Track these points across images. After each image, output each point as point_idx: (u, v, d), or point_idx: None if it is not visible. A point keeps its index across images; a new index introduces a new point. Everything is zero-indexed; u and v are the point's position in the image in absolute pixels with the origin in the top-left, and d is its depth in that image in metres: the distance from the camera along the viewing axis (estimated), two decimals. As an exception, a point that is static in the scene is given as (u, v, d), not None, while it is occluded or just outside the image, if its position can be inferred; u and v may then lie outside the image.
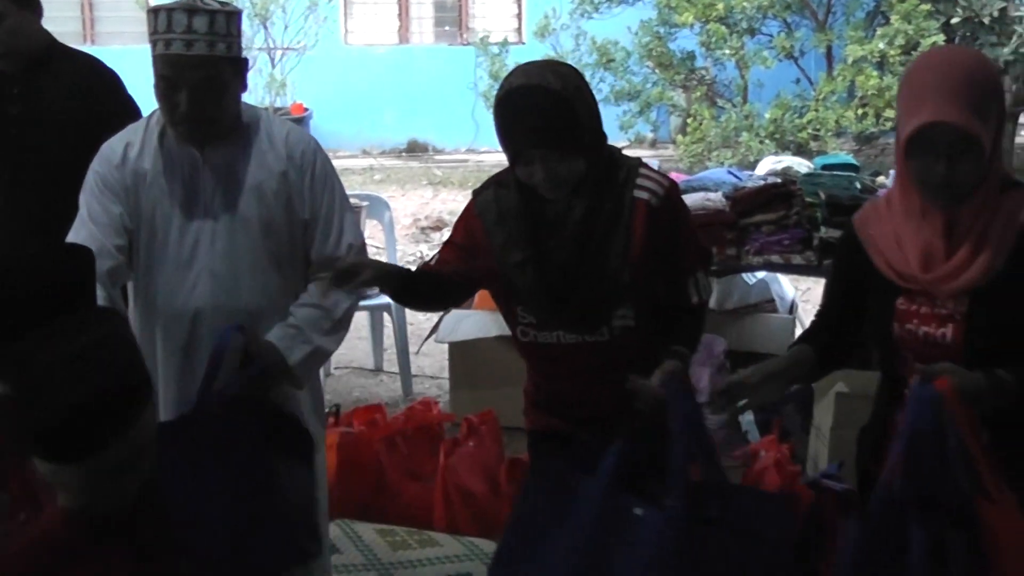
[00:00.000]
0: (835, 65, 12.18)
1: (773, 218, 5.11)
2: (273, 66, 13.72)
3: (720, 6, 11.55)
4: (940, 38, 11.39)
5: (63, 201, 3.32)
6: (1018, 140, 14.94)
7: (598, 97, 9.97)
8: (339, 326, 3.25)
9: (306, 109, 14.01)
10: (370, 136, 14.92)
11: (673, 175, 5.82)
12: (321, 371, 6.22)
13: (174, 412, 3.08)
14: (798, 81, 12.50)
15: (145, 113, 3.36)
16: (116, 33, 14.46)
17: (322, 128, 14.00)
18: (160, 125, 3.18)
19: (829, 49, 12.40)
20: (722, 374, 5.51)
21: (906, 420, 2.52)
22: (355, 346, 7.12)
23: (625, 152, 2.99)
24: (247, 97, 3.26)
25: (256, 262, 3.19)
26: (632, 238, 2.83)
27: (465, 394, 5.81)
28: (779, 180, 5.32)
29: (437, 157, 14.78)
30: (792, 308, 6.36)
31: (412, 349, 6.60)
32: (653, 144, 14.15)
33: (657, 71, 12.38)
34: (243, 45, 3.20)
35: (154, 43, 3.05)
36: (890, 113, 11.29)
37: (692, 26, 11.87)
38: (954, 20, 12.12)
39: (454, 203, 11.80)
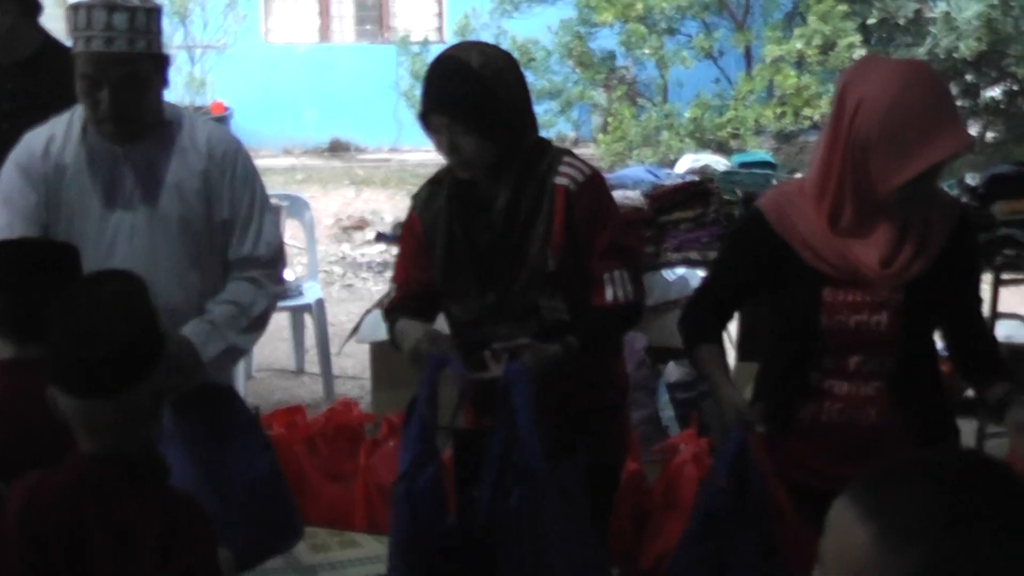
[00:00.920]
0: (754, 65, 12.33)
1: (691, 216, 5.16)
2: (193, 64, 13.57)
3: (639, 6, 11.63)
4: (857, 38, 11.58)
5: None
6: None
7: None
8: (256, 325, 3.25)
9: (226, 108, 13.84)
10: (292, 135, 14.78)
11: (593, 173, 5.88)
12: (242, 373, 6.23)
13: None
14: (717, 80, 12.63)
15: None
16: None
17: (243, 127, 13.85)
18: (83, 120, 3.17)
19: (748, 49, 12.54)
20: (641, 370, 5.55)
21: (726, 448, 2.70)
22: (277, 348, 7.08)
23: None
24: (167, 95, 3.24)
25: (175, 260, 3.18)
26: (553, 224, 2.84)
27: (387, 394, 5.76)
28: (697, 178, 5.37)
29: (359, 156, 14.69)
30: (711, 304, 6.41)
31: (333, 350, 6.56)
32: (575, 143, 14.15)
33: (578, 70, 12.45)
34: (162, 43, 3.19)
35: (75, 41, 3.06)
36: (809, 112, 11.48)
37: (612, 25, 11.95)
38: (870, 21, 12.33)
39: (376, 203, 11.76)
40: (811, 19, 11.67)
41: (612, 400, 3.09)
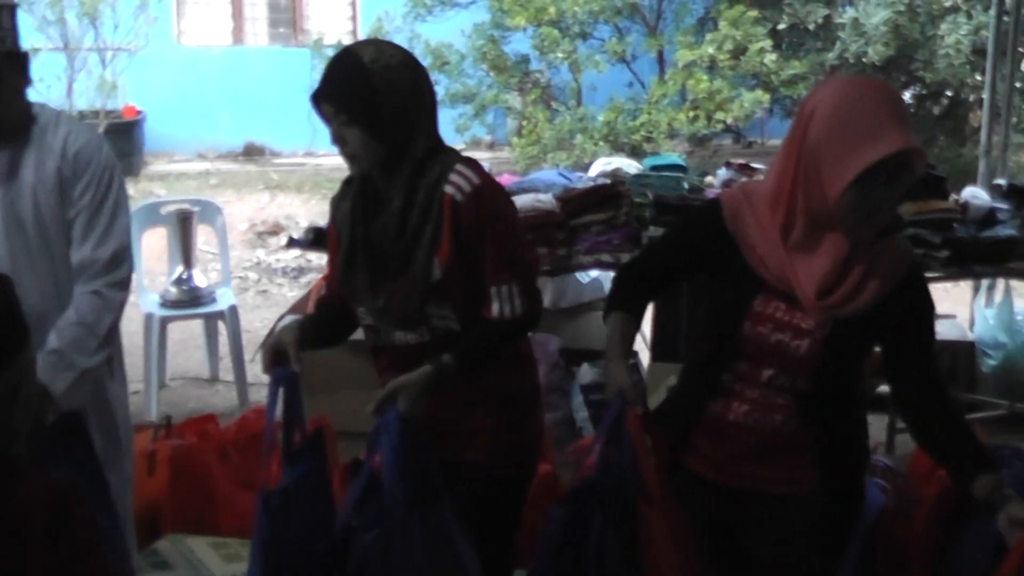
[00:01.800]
0: (666, 69, 12.45)
1: (603, 218, 5.19)
2: (104, 67, 13.37)
3: (552, 10, 11.70)
4: (767, 43, 11.75)
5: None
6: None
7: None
8: (105, 343, 3.19)
9: (139, 111, 13.67)
10: (206, 139, 14.63)
11: (505, 177, 5.90)
12: (154, 383, 6.17)
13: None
14: (631, 84, 12.73)
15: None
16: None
17: (156, 131, 13.72)
18: None
19: (660, 53, 12.66)
20: (556, 372, 5.58)
21: (604, 421, 2.73)
22: (191, 356, 7.02)
23: (463, 154, 3.01)
24: (77, 97, 3.19)
25: (35, 264, 3.15)
26: (441, 233, 2.84)
27: (305, 401, 5.74)
28: (608, 181, 5.41)
29: (274, 160, 14.59)
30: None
31: (248, 357, 6.49)
32: (491, 146, 14.23)
33: (492, 74, 12.48)
34: (72, 45, 3.15)
35: None
36: (721, 115, 11.62)
37: (525, 29, 12.01)
38: (781, 26, 12.51)
39: (291, 207, 11.70)
40: (722, 24, 11.82)
41: (516, 413, 3.07)
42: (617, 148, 11.39)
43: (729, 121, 11.98)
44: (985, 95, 7.22)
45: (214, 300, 6.52)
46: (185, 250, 6.45)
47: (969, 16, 12.19)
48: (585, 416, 5.47)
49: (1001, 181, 6.10)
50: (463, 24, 12.62)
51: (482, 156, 12.87)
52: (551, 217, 5.15)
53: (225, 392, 6.69)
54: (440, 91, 12.24)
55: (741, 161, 6.00)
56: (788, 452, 2.74)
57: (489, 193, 2.91)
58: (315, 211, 11.16)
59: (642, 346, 5.91)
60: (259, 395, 6.51)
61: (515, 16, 11.72)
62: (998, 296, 6.62)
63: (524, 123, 12.28)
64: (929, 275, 5.55)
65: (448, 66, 12.41)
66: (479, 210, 2.85)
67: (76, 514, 2.14)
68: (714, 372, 2.76)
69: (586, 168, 6.27)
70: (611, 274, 6.31)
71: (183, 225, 6.49)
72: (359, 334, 3.13)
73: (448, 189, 2.84)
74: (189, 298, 6.45)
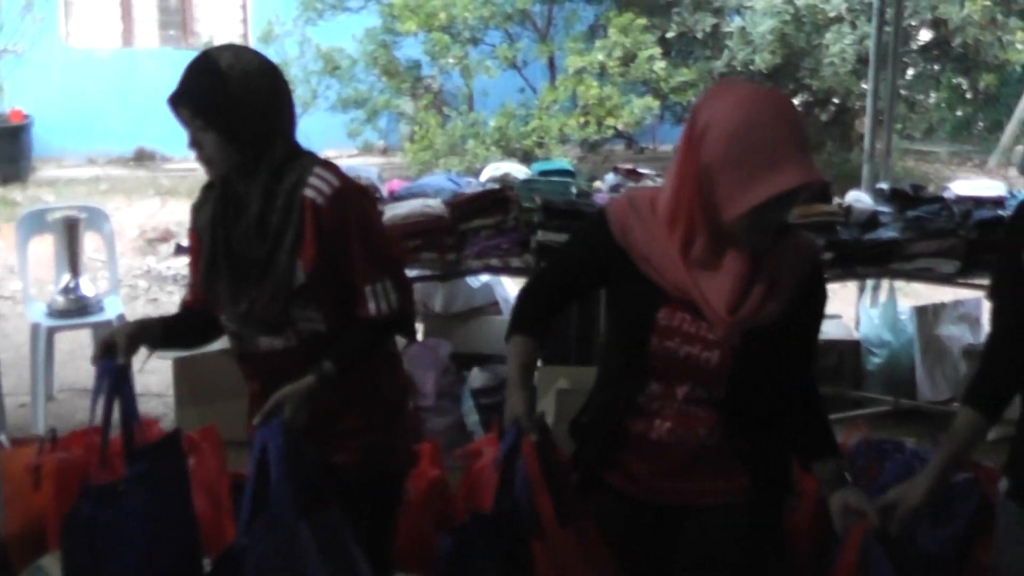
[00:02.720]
0: (557, 75, 12.52)
1: (491, 223, 5.23)
2: (-12, 69, 13.09)
3: (442, 15, 11.70)
4: (657, 51, 11.89)
5: None
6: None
7: (325, 105, 9.98)
8: None
9: (26, 116, 13.34)
10: (96, 144, 14.30)
11: (395, 182, 5.90)
12: (41, 395, 6.05)
13: None
14: (522, 90, 12.78)
15: None
16: None
17: (44, 136, 13.43)
18: None
19: (551, 59, 12.73)
20: (447, 376, 5.60)
21: (500, 451, 2.73)
22: (79, 367, 6.88)
23: (355, 160, 3.00)
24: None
25: None
26: (303, 236, 2.84)
27: (191, 410, 5.67)
28: (497, 186, 5.45)
29: (165, 166, 14.35)
30: (516, 310, 6.51)
31: (137, 367, 6.37)
32: (384, 151, 14.18)
33: (384, 79, 12.44)
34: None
35: None
36: (611, 121, 11.71)
37: (416, 34, 12.00)
38: (670, 34, 12.66)
39: (182, 214, 11.50)
40: (612, 32, 11.92)
41: (386, 414, 3.08)
42: (509, 153, 11.42)
43: (620, 127, 12.07)
44: (868, 102, 7.38)
45: (102, 309, 6.40)
46: (72, 258, 6.33)
47: (853, 26, 12.45)
48: (476, 420, 5.49)
49: (884, 185, 6.26)
50: (354, 28, 12.53)
51: (375, 161, 12.86)
52: (440, 222, 5.18)
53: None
54: (332, 96, 12.21)
55: (628, 166, 6.06)
56: (715, 464, 2.73)
57: (349, 194, 2.91)
58: (206, 217, 11.00)
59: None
60: (149, 405, 6.41)
61: (406, 21, 11.70)
62: (883, 296, 6.79)
63: (416, 128, 12.25)
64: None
65: (339, 70, 12.35)
66: (340, 212, 2.85)
67: None
68: (629, 390, 2.73)
69: (478, 173, 6.29)
70: (501, 278, 6.40)
71: (70, 232, 6.37)
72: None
73: (308, 192, 2.84)
74: (76, 307, 6.31)
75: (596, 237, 2.76)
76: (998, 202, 5.64)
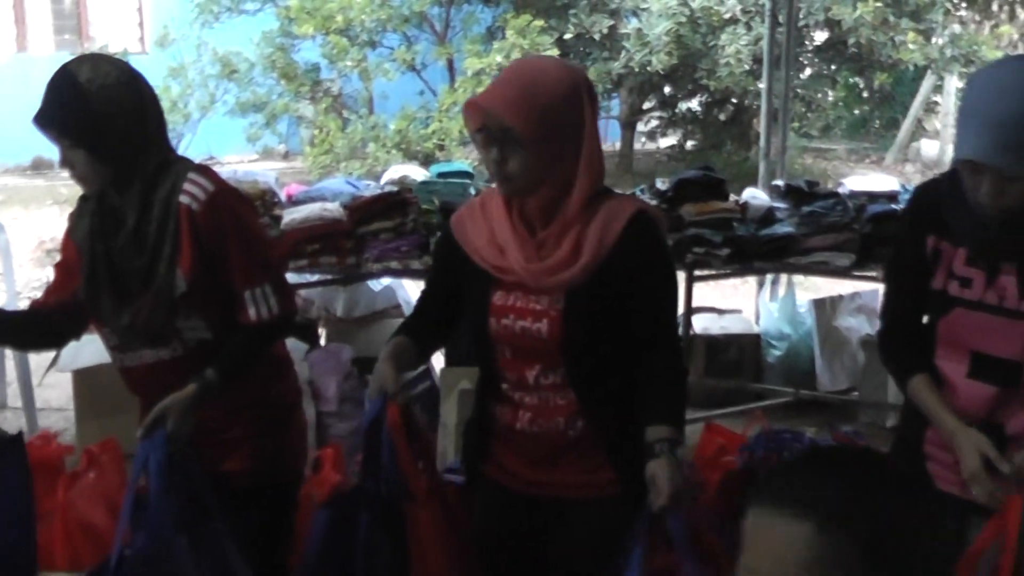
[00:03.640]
0: (456, 77, 12.52)
1: (390, 226, 5.20)
2: None
3: (340, 18, 11.66)
4: (555, 52, 11.93)
5: None
6: (638, 147, 15.80)
7: (223, 109, 9.81)
8: None
9: (-85, 124, 13.06)
10: (-10, 153, 14.08)
11: (293, 187, 5.84)
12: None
13: None
14: (422, 93, 12.78)
15: None
16: None
17: (-65, 145, 13.15)
18: None
19: (450, 62, 12.75)
20: (349, 381, 5.56)
21: (364, 418, 2.75)
22: (-24, 383, 6.73)
23: (256, 165, 2.96)
24: None
25: None
26: (180, 244, 2.79)
27: (92, 423, 5.56)
28: (395, 189, 5.42)
29: (64, 174, 14.01)
30: (418, 313, 6.50)
31: (36, 381, 6.25)
32: (286, 156, 14.08)
33: (282, 82, 12.36)
34: None
35: None
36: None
37: (314, 37, 11.93)
38: (567, 36, 12.73)
39: (79, 222, 11.35)
40: (509, 34, 11.96)
41: (277, 419, 3.04)
42: (410, 156, 11.41)
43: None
44: (763, 102, 7.47)
45: (-20, 345, 6.24)
46: (-34, 270, 6.19)
47: (748, 27, 12.64)
48: (380, 424, 5.45)
49: (780, 182, 6.32)
50: (252, 31, 12.44)
51: (276, 166, 12.77)
52: (338, 226, 5.13)
53: (14, 419, 6.38)
54: (230, 100, 12.09)
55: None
56: (580, 455, 2.72)
57: (224, 199, 2.85)
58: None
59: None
60: (49, 420, 6.29)
61: (303, 24, 11.64)
62: (781, 290, 6.89)
63: (316, 132, 12.19)
64: (712, 272, 5.79)
65: (237, 74, 12.24)
66: (216, 217, 2.80)
67: None
68: (491, 378, 2.77)
69: (379, 177, 6.26)
70: (402, 281, 6.37)
71: (-37, 244, 6.23)
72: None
73: (183, 199, 2.78)
74: (-29, 321, 6.16)
75: (445, 243, 2.84)
76: (891, 197, 5.73)
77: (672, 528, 2.52)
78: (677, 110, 15.28)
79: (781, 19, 7.35)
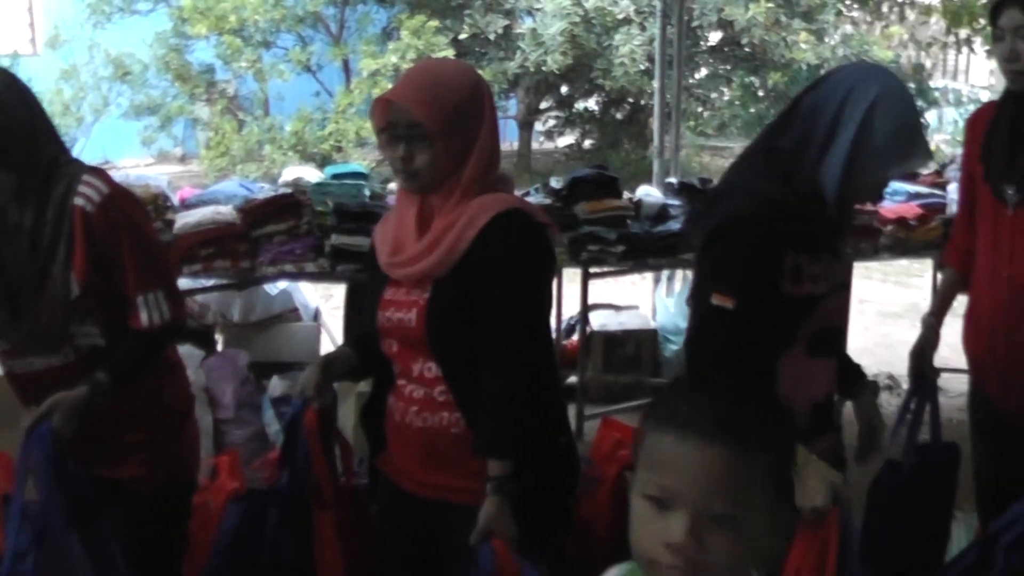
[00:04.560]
0: (352, 78, 12.47)
1: (284, 228, 5.17)
2: None
3: (233, 18, 11.54)
4: (450, 52, 11.93)
5: None
6: (536, 146, 15.87)
7: (117, 112, 9.68)
8: None
9: None
10: None
11: (186, 190, 5.77)
12: None
13: None
14: (318, 94, 12.70)
15: None
16: None
17: None
18: None
19: (346, 63, 12.69)
20: (246, 386, 5.51)
21: (285, 420, 2.84)
22: None
23: (151, 168, 2.92)
24: None
25: None
26: (74, 247, 2.76)
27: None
28: (289, 191, 5.38)
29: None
30: (316, 315, 6.47)
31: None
32: (182, 159, 13.91)
33: (176, 84, 12.21)
34: None
35: None
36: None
37: (207, 38, 11.80)
38: (462, 36, 12.74)
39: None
40: (404, 34, 11.94)
41: (172, 424, 3.02)
42: (307, 158, 11.34)
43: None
44: (656, 101, 7.54)
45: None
46: None
47: (643, 27, 12.74)
48: (277, 429, 5.40)
49: (673, 180, 6.40)
50: (144, 32, 12.26)
51: (172, 170, 12.60)
52: (232, 229, 5.09)
53: None
54: (123, 103, 11.92)
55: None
56: (462, 456, 2.67)
57: (119, 201, 2.82)
58: None
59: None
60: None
61: (196, 24, 11.51)
62: (677, 286, 6.96)
63: (212, 135, 12.07)
64: (607, 269, 5.84)
65: (130, 76, 12.08)
66: (110, 219, 2.77)
67: None
68: (385, 372, 2.79)
69: (276, 179, 6.21)
70: (299, 284, 6.33)
71: None
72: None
73: (77, 201, 2.75)
74: None
75: (370, 251, 2.89)
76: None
77: (481, 556, 2.53)
78: (574, 110, 15.37)
79: (673, 20, 7.42)
